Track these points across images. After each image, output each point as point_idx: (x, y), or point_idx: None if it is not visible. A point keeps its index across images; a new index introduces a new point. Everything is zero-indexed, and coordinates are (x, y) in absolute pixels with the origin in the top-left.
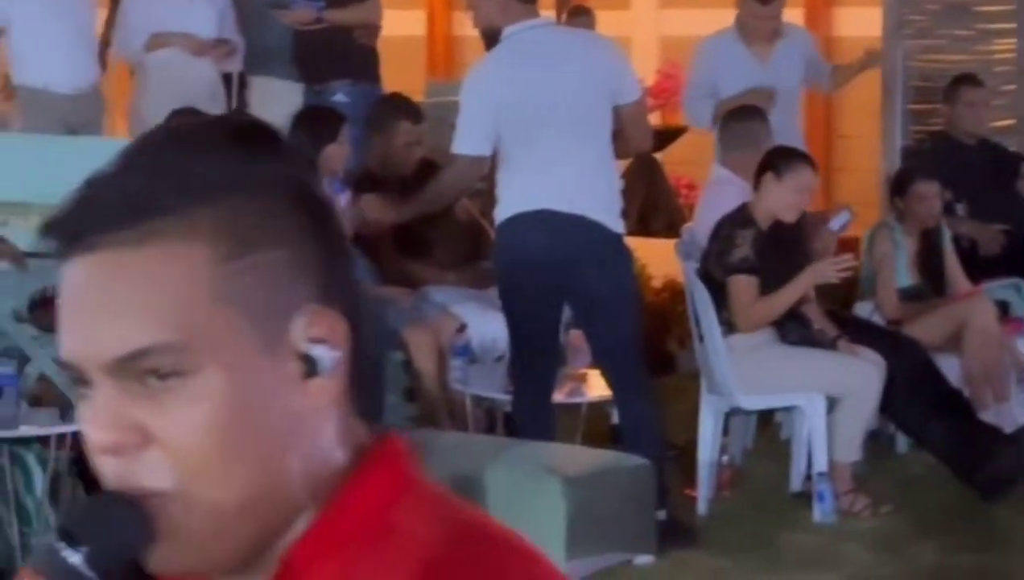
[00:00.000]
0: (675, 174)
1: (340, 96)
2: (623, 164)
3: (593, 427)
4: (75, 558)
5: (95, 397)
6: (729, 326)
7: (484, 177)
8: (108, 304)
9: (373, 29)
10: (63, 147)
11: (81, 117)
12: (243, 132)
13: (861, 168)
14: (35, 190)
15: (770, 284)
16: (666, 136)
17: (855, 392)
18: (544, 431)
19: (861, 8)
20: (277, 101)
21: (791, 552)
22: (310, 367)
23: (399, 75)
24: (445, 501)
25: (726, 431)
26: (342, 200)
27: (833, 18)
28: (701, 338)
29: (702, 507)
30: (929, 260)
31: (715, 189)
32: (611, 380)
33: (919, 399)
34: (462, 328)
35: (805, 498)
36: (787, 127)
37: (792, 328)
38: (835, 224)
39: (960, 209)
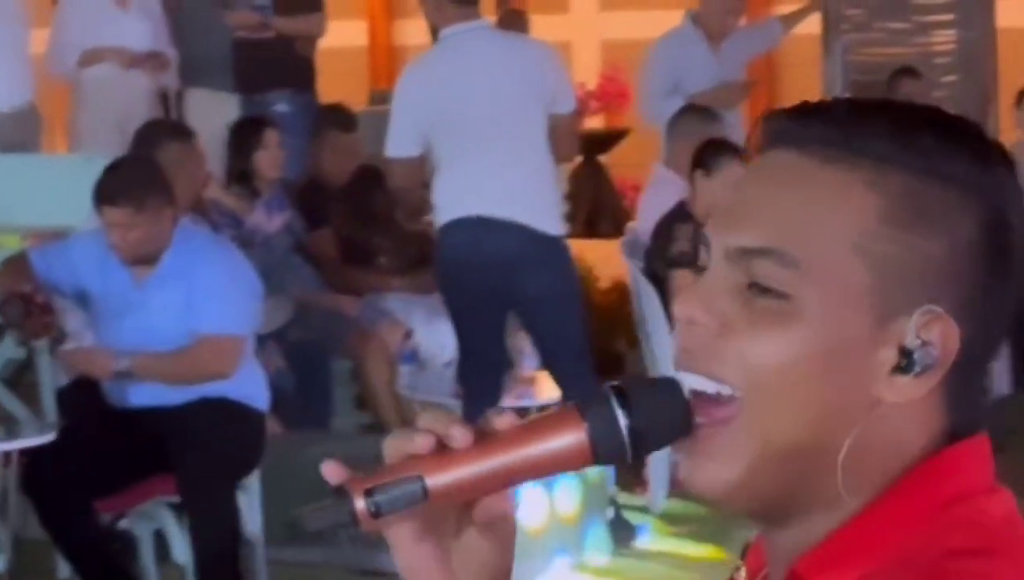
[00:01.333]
0: (620, 176)
1: (281, 106)
2: (568, 168)
3: None
4: (623, 421)
5: (705, 273)
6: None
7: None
8: (770, 197)
9: (313, 40)
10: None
11: (17, 135)
12: (979, 138)
13: None
14: None
15: None
16: (610, 138)
17: None
18: None
19: (797, 4)
20: (214, 113)
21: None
22: (905, 363)
23: (342, 85)
24: None
25: None
26: (280, 218)
27: (771, 15)
28: (647, 337)
29: (655, 505)
30: None
31: (655, 188)
32: (559, 382)
33: None
34: (409, 334)
35: None
36: (733, 121)
37: None
38: None
39: None
